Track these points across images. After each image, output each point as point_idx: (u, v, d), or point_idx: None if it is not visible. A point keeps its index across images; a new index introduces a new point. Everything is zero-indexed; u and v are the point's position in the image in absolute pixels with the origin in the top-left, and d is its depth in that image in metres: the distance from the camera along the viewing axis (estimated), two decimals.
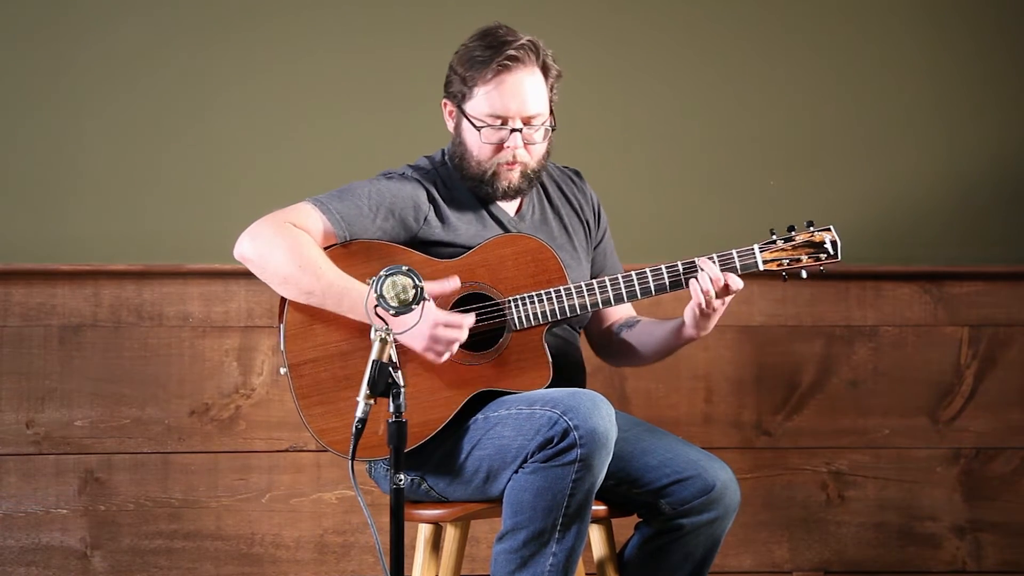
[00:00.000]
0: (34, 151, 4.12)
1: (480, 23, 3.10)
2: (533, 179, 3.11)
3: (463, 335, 2.94)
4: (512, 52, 3.02)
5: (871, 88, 4.32)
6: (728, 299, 3.02)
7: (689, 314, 3.03)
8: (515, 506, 2.90)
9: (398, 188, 3.07)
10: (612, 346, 3.24)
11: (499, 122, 3.04)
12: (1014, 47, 4.35)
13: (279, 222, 2.99)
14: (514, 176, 3.08)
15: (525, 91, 3.03)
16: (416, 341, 2.94)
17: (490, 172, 3.07)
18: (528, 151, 3.07)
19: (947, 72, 4.34)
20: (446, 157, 3.17)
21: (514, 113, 3.04)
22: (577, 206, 3.23)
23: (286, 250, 2.96)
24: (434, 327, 2.91)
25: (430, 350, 2.94)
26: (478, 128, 3.04)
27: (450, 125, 3.12)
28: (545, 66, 3.06)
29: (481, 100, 3.04)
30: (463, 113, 3.06)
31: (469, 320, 2.94)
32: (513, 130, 3.04)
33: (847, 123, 4.32)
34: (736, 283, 2.99)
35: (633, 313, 3.28)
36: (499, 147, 3.05)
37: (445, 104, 3.11)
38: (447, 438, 3.01)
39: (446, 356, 2.95)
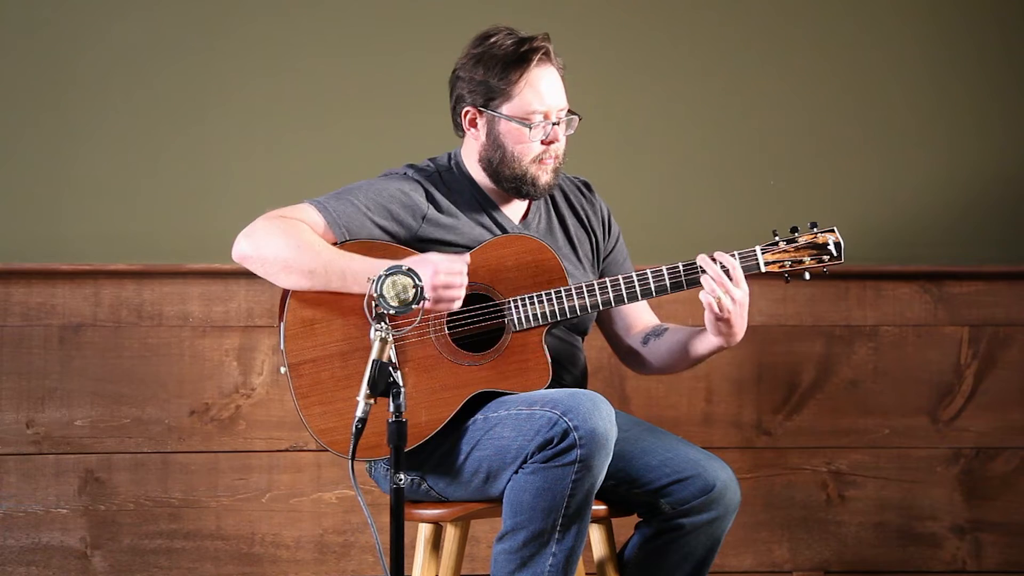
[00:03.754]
0: (34, 151, 4.12)
1: (482, 27, 3.10)
2: (559, 175, 3.12)
3: (463, 279, 2.92)
4: (539, 45, 3.05)
5: (872, 89, 4.32)
6: (745, 300, 2.99)
7: (707, 323, 3.03)
8: (515, 506, 2.90)
9: (395, 187, 3.07)
10: (640, 356, 3.22)
11: (543, 117, 3.05)
12: (1014, 47, 4.35)
13: (273, 216, 3.00)
14: (550, 171, 3.10)
15: (558, 84, 3.08)
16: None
17: (531, 171, 3.08)
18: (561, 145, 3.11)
19: (947, 72, 4.34)
20: (453, 162, 3.16)
21: (553, 106, 3.06)
22: (584, 217, 3.22)
23: (283, 236, 2.96)
24: (434, 289, 2.91)
25: (440, 300, 2.93)
26: (528, 126, 3.05)
27: (475, 133, 3.11)
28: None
29: (522, 98, 3.04)
30: (499, 116, 3.06)
31: (465, 266, 2.94)
32: (554, 124, 3.07)
33: (848, 124, 4.32)
34: (732, 265, 2.97)
35: (657, 321, 3.27)
36: (546, 143, 3.07)
37: (466, 113, 3.10)
38: (447, 438, 3.01)
39: (456, 304, 2.93)
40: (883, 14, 4.33)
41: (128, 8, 4.15)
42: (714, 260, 2.99)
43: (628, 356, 3.26)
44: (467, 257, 2.97)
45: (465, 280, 2.94)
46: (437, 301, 2.93)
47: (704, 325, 3.04)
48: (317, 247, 2.96)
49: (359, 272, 2.93)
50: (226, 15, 4.18)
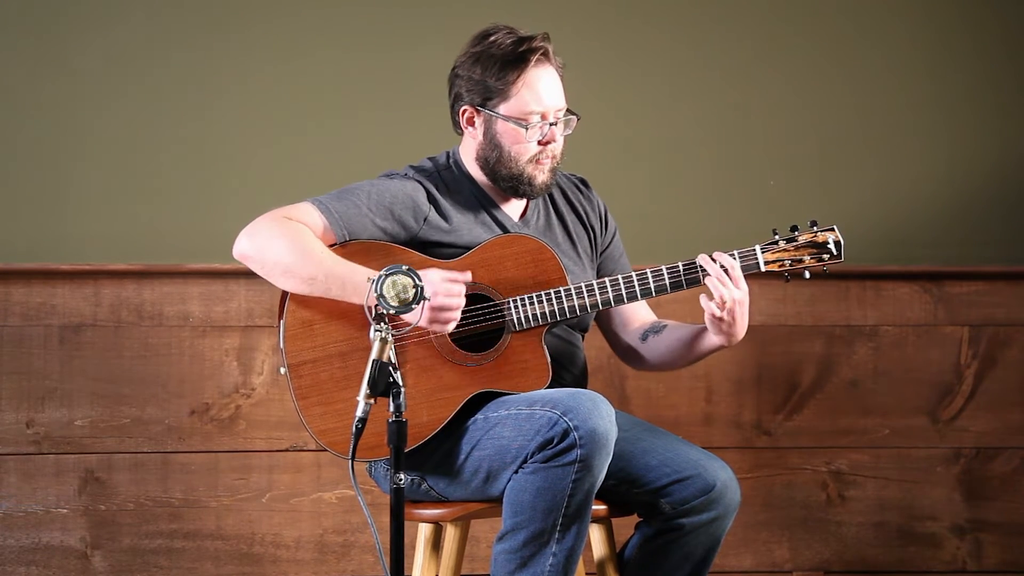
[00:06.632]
0: (34, 151, 4.12)
1: (482, 24, 3.10)
2: (556, 175, 3.12)
3: (460, 302, 2.93)
4: (537, 46, 3.04)
5: (872, 89, 4.32)
6: (745, 299, 2.99)
7: (708, 323, 3.03)
8: (515, 506, 2.90)
9: (398, 188, 3.07)
10: (638, 353, 3.22)
11: (540, 118, 3.05)
12: (1014, 47, 4.35)
13: (276, 217, 2.99)
14: (547, 171, 3.09)
15: (556, 85, 3.07)
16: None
17: (528, 171, 3.07)
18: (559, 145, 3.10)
19: (948, 72, 4.34)
20: (451, 161, 3.16)
21: (551, 107, 3.06)
22: (582, 213, 3.22)
23: (285, 240, 2.96)
24: (431, 310, 2.91)
25: (435, 322, 2.93)
26: (525, 127, 3.04)
27: (473, 132, 3.10)
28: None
29: (520, 98, 3.04)
30: (496, 115, 3.06)
31: (463, 281, 2.94)
32: (551, 124, 3.06)
33: (848, 124, 4.32)
34: (731, 265, 2.97)
35: (654, 317, 3.27)
36: (543, 143, 3.06)
37: (464, 111, 3.09)
38: (447, 438, 3.00)
39: (450, 327, 2.94)
40: (882, 14, 4.33)
41: (128, 8, 4.15)
42: (713, 260, 2.99)
43: (626, 353, 3.26)
44: (468, 275, 2.96)
45: (462, 302, 2.93)
46: (432, 322, 2.93)
47: (705, 324, 3.04)
48: (319, 255, 2.96)
49: (359, 283, 2.92)
50: (226, 15, 4.18)
